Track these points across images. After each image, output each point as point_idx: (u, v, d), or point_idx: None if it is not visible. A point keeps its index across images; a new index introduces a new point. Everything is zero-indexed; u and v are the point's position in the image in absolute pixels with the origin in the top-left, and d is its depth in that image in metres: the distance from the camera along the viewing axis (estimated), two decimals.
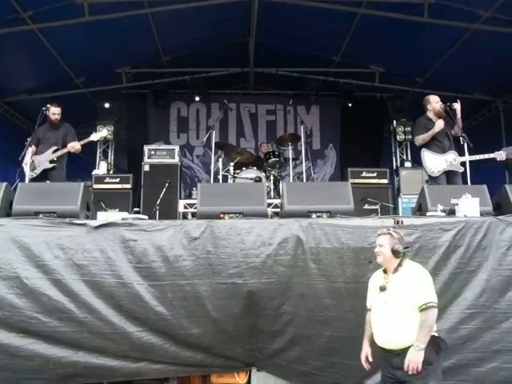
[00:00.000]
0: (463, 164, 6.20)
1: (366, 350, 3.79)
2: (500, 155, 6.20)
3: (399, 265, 3.66)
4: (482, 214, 4.72)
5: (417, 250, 4.31)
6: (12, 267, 4.31)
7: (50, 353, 4.30)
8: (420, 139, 6.41)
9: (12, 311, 4.25)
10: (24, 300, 4.27)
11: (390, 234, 3.74)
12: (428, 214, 4.91)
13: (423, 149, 6.39)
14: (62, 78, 9.46)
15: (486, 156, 6.22)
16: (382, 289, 3.64)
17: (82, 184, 5.19)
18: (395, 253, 3.65)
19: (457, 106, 6.30)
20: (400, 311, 3.50)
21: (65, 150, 6.45)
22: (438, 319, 3.59)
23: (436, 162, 6.26)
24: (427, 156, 6.34)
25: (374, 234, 4.31)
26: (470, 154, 6.12)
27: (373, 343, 3.71)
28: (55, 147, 6.46)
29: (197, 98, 11.22)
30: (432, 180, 6.32)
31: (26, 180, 6.24)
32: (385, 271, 3.76)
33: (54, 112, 6.65)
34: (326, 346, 4.42)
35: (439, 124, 6.30)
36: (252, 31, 9.32)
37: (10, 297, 4.27)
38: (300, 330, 4.43)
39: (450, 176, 6.23)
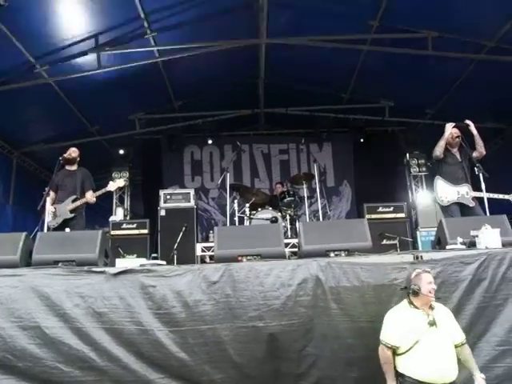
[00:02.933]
0: (476, 199, 6.17)
1: None
2: None
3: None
4: (504, 245, 4.60)
5: (439, 285, 4.16)
6: (32, 317, 4.29)
7: None
8: (435, 147, 6.40)
9: (33, 362, 4.20)
10: (45, 350, 4.23)
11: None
12: (448, 247, 4.82)
13: (437, 176, 6.41)
14: (77, 127, 9.74)
15: (501, 196, 6.20)
16: (432, 324, 3.67)
17: (100, 231, 5.20)
18: None
19: (469, 125, 6.31)
20: (452, 345, 3.67)
21: (83, 201, 6.51)
22: None
23: (447, 191, 6.24)
24: (439, 184, 6.34)
25: (393, 271, 4.27)
26: (486, 183, 6.05)
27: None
28: (74, 196, 6.52)
29: (209, 141, 11.42)
30: (442, 210, 6.29)
31: (45, 229, 6.31)
32: (415, 306, 3.79)
33: (71, 152, 6.78)
34: None
35: (447, 128, 6.36)
36: (260, 73, 9.54)
37: (31, 347, 4.22)
38: (325, 372, 4.31)
39: (463, 209, 6.18)
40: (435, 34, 7.58)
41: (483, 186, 6.01)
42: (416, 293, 3.78)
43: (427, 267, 3.98)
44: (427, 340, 3.63)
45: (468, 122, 6.35)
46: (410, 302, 3.82)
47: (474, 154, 6.34)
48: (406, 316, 3.78)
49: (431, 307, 3.78)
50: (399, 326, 3.75)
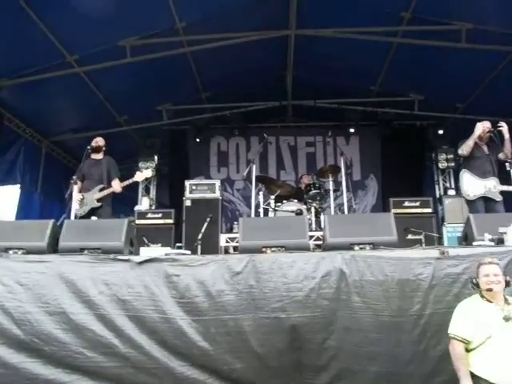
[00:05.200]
0: (503, 193, 6.01)
1: None
2: None
3: (504, 295, 3.62)
4: None
5: (465, 282, 4.10)
6: (58, 303, 4.37)
7: None
8: (463, 146, 6.26)
9: (59, 346, 4.29)
10: (70, 335, 4.31)
11: (498, 264, 3.72)
12: (475, 243, 4.71)
13: (463, 169, 6.27)
14: (106, 116, 9.83)
15: None
16: (508, 319, 3.48)
17: (126, 220, 5.24)
18: (508, 283, 3.63)
19: (502, 127, 6.13)
20: None
21: (110, 190, 6.58)
22: None
23: (474, 185, 6.09)
24: (466, 177, 6.20)
25: (418, 266, 4.22)
26: None
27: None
28: (101, 185, 6.60)
29: (236, 133, 11.38)
30: (468, 204, 6.15)
31: (72, 217, 6.40)
32: (488, 300, 3.60)
33: (97, 140, 6.89)
34: (373, 382, 4.25)
35: (478, 127, 6.19)
36: (289, 65, 9.49)
37: (56, 332, 4.31)
38: (345, 365, 4.29)
39: (488, 203, 6.04)
40: (469, 25, 7.37)
41: None
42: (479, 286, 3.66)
43: (489, 258, 3.81)
44: (501, 336, 3.42)
45: (502, 123, 6.16)
46: (482, 296, 3.65)
47: (500, 155, 6.19)
48: (477, 307, 3.60)
49: (507, 302, 3.58)
50: (471, 317, 3.55)
